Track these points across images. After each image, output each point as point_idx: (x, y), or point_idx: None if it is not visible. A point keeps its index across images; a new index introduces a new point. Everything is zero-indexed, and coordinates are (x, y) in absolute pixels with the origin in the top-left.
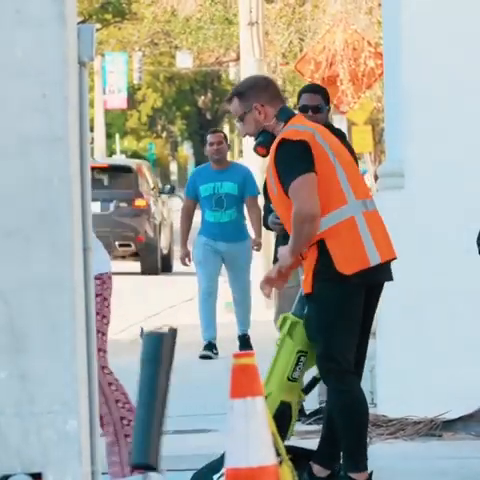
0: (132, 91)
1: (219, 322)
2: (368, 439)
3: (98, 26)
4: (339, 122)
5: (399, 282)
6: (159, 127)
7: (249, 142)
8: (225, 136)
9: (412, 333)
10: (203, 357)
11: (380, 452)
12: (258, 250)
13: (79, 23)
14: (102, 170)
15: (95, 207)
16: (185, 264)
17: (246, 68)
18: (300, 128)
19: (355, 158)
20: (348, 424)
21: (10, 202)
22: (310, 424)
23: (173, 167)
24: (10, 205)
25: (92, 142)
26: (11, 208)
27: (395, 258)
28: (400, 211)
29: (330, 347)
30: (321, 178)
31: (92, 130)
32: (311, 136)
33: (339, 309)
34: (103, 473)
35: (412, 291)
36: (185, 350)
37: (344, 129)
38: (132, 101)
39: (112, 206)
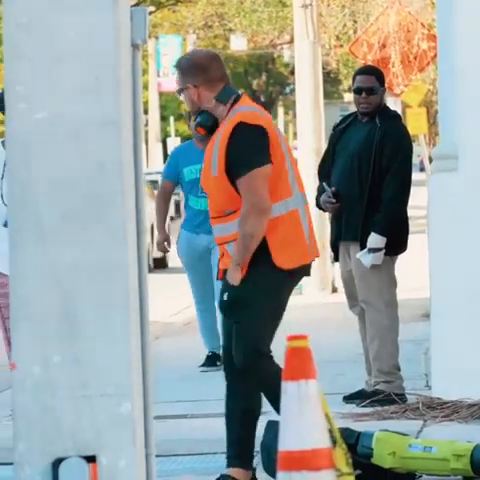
0: None
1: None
2: (422, 421)
3: (152, 9)
4: (393, 104)
5: (453, 264)
6: None
7: (304, 125)
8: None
9: (467, 315)
10: (203, 371)
11: (434, 434)
12: None
13: (133, 6)
14: None
15: None
16: (164, 250)
17: (300, 50)
18: (257, 111)
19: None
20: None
21: (64, 186)
22: (364, 407)
23: None
24: (64, 189)
25: (146, 125)
26: (65, 192)
27: (318, 256)
28: (454, 193)
29: (260, 337)
30: (274, 167)
31: (146, 113)
32: (269, 122)
33: (273, 301)
34: (157, 455)
35: (468, 274)
36: None
37: (399, 112)
38: None
39: None
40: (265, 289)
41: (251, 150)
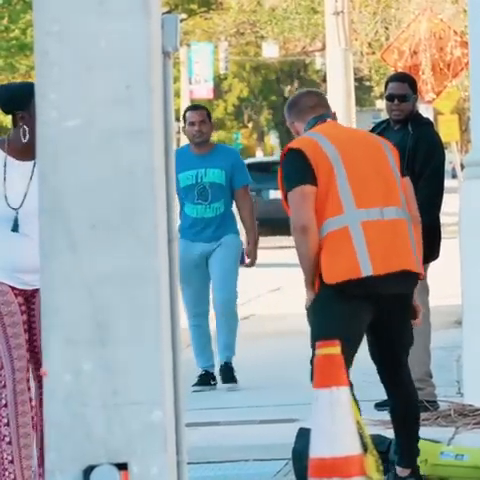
0: (218, 81)
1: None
2: (454, 428)
3: (184, 16)
4: (425, 111)
5: None
6: (245, 117)
7: None
8: (209, 113)
9: None
10: (195, 391)
11: (466, 441)
12: (251, 264)
13: (164, 13)
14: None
15: None
16: None
17: (332, 57)
18: (307, 135)
19: (402, 174)
20: None
21: (95, 194)
22: None
23: (259, 157)
24: (95, 197)
25: (178, 132)
26: (96, 200)
27: (408, 270)
28: None
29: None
30: (320, 186)
31: (178, 120)
32: (312, 143)
33: (329, 320)
34: (189, 463)
35: None
36: (274, 338)
37: (430, 119)
38: (218, 91)
39: None
40: (320, 309)
41: (290, 172)
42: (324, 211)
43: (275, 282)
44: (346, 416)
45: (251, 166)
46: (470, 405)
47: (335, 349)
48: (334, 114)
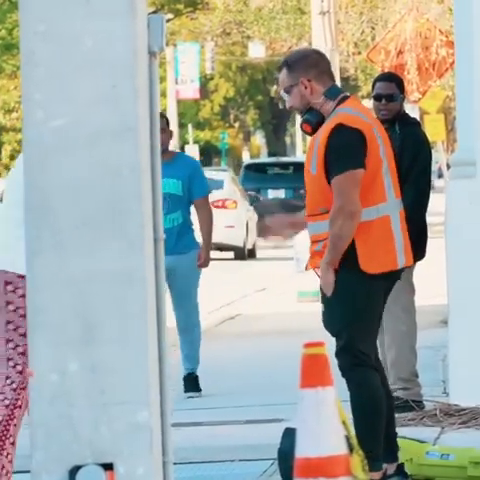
0: (204, 81)
1: (291, 311)
2: (440, 428)
3: (170, 16)
4: (411, 111)
5: (470, 271)
6: (232, 117)
7: None
8: (167, 121)
9: None
10: (189, 397)
11: (452, 441)
12: (203, 266)
13: (151, 13)
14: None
15: None
16: None
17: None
18: (359, 115)
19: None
20: (364, 421)
21: (81, 193)
22: None
23: (246, 157)
24: (81, 196)
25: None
26: (82, 199)
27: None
28: (472, 200)
29: (352, 341)
30: (368, 172)
31: None
32: (369, 127)
33: (362, 305)
34: (175, 463)
35: None
36: (258, 338)
37: (417, 118)
38: (204, 91)
39: None
40: (351, 291)
41: (346, 153)
42: (369, 197)
43: (261, 282)
44: (332, 416)
45: (250, 167)
46: (456, 405)
47: (321, 349)
48: None
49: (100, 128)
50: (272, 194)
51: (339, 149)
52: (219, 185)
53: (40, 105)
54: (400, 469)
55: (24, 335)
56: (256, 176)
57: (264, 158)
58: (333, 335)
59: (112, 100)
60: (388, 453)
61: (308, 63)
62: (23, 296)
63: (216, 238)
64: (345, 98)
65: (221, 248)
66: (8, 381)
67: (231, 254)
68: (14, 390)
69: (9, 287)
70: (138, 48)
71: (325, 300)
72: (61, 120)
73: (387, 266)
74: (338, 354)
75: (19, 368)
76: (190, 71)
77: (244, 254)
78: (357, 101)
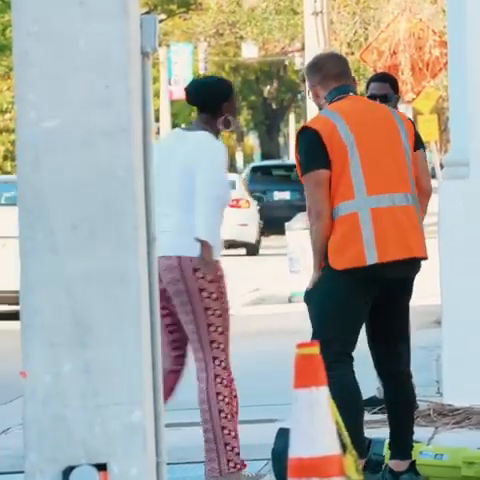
0: None
1: (285, 311)
2: (434, 428)
3: (163, 17)
4: (405, 111)
5: (463, 271)
6: None
7: None
8: None
9: (478, 321)
10: None
11: (446, 441)
12: None
13: (144, 14)
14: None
15: None
16: None
17: (311, 58)
18: (329, 116)
19: (416, 147)
20: (340, 412)
21: (75, 194)
22: (375, 414)
23: (239, 157)
24: (75, 197)
25: (158, 133)
26: (76, 200)
27: (415, 257)
28: (465, 200)
29: (325, 338)
30: (334, 170)
31: (158, 121)
32: (329, 125)
33: (334, 302)
34: (169, 463)
35: (478, 279)
36: (252, 338)
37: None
38: None
39: None
40: (324, 289)
41: (306, 154)
42: (336, 195)
43: (255, 282)
44: (325, 416)
45: (256, 169)
46: (449, 405)
47: (314, 349)
48: (354, 81)
49: (93, 129)
50: (278, 196)
51: (301, 151)
52: (232, 186)
53: (34, 106)
54: (412, 466)
55: (220, 316)
56: (262, 178)
57: (270, 161)
58: (313, 333)
59: (105, 101)
60: (399, 450)
61: (314, 69)
62: (212, 281)
63: (230, 235)
64: (339, 99)
65: (233, 245)
66: (216, 362)
67: (243, 250)
68: (224, 368)
69: (198, 274)
70: (131, 49)
71: (305, 299)
72: (55, 121)
73: (353, 262)
74: None
75: (222, 346)
76: (183, 72)
77: (256, 250)
78: (350, 100)
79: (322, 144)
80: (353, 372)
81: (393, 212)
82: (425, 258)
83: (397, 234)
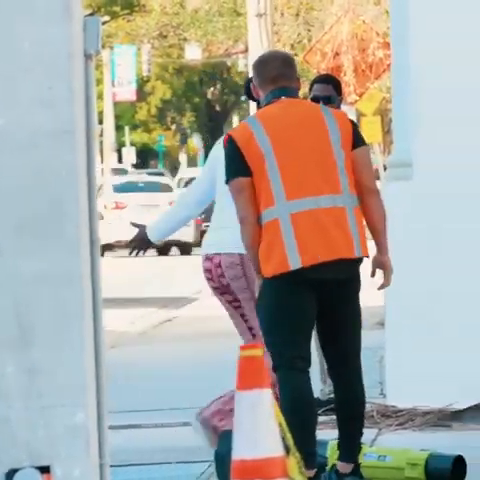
0: (141, 83)
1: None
2: (377, 430)
3: (107, 19)
4: (348, 113)
5: (406, 272)
6: (168, 119)
7: None
8: None
9: (420, 323)
10: None
11: (389, 443)
12: None
13: (87, 16)
14: None
15: None
16: None
17: (254, 59)
18: (247, 122)
19: (355, 145)
20: (287, 420)
21: (19, 195)
22: (319, 415)
23: (182, 159)
24: (19, 198)
25: (101, 134)
26: (20, 201)
27: (343, 258)
28: (409, 201)
29: (266, 344)
30: (254, 177)
31: (101, 123)
32: (247, 133)
33: (270, 308)
34: (112, 465)
35: (420, 281)
36: (195, 341)
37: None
38: (141, 93)
39: None
40: (263, 296)
41: (226, 162)
42: (261, 202)
43: (197, 285)
44: (268, 418)
45: None
46: (393, 406)
47: (257, 351)
48: (298, 82)
49: (37, 130)
50: None
51: (224, 160)
52: (168, 188)
53: None
54: (356, 469)
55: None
56: None
57: None
58: (264, 340)
59: (49, 102)
60: (345, 452)
61: (255, 71)
62: (244, 276)
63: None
64: (271, 103)
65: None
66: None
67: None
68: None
69: (245, 270)
70: (74, 51)
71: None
72: None
73: (278, 269)
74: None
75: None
76: (127, 73)
77: (190, 249)
78: (281, 104)
79: (239, 152)
80: (306, 377)
81: (315, 215)
82: (356, 258)
83: (320, 237)
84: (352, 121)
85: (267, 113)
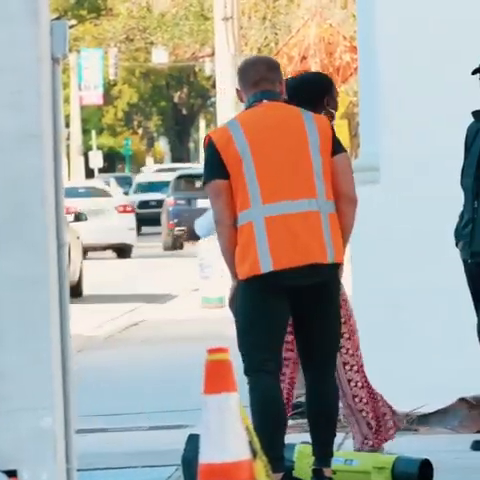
0: (108, 87)
1: (195, 317)
2: (344, 433)
3: (74, 22)
4: None
5: (376, 277)
6: (135, 123)
7: None
8: None
9: (389, 328)
10: None
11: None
12: None
13: (54, 19)
14: None
15: None
16: None
17: (221, 63)
18: (227, 124)
19: (334, 152)
20: (256, 423)
21: None
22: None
23: (149, 163)
24: None
25: (68, 138)
26: None
27: (315, 263)
28: (376, 205)
29: (241, 346)
30: (232, 180)
31: (68, 126)
32: (225, 136)
33: (243, 311)
34: (79, 469)
35: (390, 286)
36: (162, 344)
37: None
38: (108, 97)
39: None
40: (238, 299)
41: (205, 165)
42: (237, 205)
43: (166, 287)
44: (235, 422)
45: (181, 177)
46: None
47: (224, 355)
48: (281, 86)
49: (3, 133)
50: (201, 204)
51: (204, 161)
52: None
53: None
54: (318, 474)
55: (349, 339)
56: (186, 186)
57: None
58: (237, 342)
59: (15, 105)
60: (318, 458)
61: (238, 75)
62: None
63: (122, 239)
64: (252, 106)
65: (106, 247)
66: (343, 350)
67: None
68: (352, 355)
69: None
70: (41, 54)
71: (230, 309)
72: None
73: (250, 271)
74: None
75: (355, 368)
76: (93, 77)
77: (130, 252)
78: (262, 108)
79: (218, 154)
80: (276, 380)
81: (289, 219)
82: (329, 264)
83: (293, 241)
84: (332, 127)
85: (247, 116)
